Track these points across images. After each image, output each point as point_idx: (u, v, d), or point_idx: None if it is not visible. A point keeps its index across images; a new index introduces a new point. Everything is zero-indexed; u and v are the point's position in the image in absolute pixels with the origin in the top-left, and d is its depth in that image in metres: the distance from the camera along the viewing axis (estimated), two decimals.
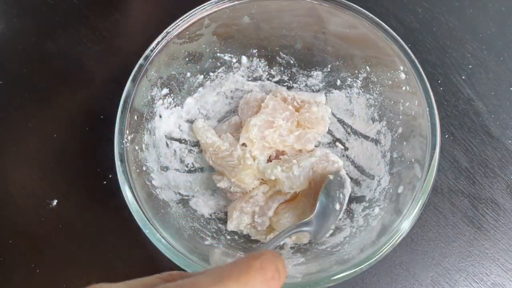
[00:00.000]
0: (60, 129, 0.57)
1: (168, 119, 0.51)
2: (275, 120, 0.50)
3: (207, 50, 0.51)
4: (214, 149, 0.50)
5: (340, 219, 0.49)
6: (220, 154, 0.49)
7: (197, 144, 0.53)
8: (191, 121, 0.53)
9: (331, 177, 0.47)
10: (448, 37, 0.60)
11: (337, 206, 0.46)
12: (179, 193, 0.49)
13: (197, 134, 0.52)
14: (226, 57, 0.53)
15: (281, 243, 0.46)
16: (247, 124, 0.49)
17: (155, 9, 0.62)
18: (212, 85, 0.54)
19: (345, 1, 0.46)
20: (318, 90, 0.55)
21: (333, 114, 0.55)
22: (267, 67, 0.55)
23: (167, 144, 0.50)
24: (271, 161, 0.51)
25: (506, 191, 0.54)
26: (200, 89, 0.53)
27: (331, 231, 0.47)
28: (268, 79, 0.56)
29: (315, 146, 0.52)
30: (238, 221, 0.48)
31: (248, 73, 0.55)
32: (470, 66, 0.59)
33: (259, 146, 0.49)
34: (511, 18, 0.61)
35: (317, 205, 0.45)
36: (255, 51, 0.53)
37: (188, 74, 0.51)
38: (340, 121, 0.55)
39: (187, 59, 0.50)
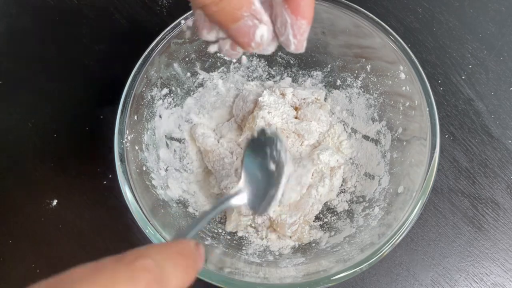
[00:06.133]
0: (60, 129, 0.57)
1: (168, 119, 0.51)
2: (274, 115, 0.50)
3: (207, 50, 0.51)
4: (213, 155, 0.50)
5: (339, 219, 0.49)
6: (219, 161, 0.50)
7: None
8: (191, 121, 0.53)
9: (255, 134, 0.39)
10: (448, 37, 0.60)
11: (272, 167, 0.38)
12: (179, 193, 0.49)
13: (197, 140, 0.52)
14: (226, 57, 0.53)
15: (206, 223, 0.42)
16: (253, 117, 0.49)
17: (155, 9, 0.62)
18: (212, 85, 0.54)
19: (345, 1, 0.46)
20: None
21: (333, 114, 0.55)
22: (267, 67, 0.55)
23: (167, 144, 0.50)
24: None
25: (506, 191, 0.54)
26: (200, 89, 0.53)
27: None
28: (268, 79, 0.56)
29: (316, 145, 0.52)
30: (237, 222, 0.48)
31: (248, 73, 0.55)
32: (470, 66, 0.59)
33: None
34: (511, 18, 0.61)
35: (242, 172, 0.37)
36: None
37: (188, 74, 0.51)
38: (340, 121, 0.55)
39: (187, 59, 0.50)
